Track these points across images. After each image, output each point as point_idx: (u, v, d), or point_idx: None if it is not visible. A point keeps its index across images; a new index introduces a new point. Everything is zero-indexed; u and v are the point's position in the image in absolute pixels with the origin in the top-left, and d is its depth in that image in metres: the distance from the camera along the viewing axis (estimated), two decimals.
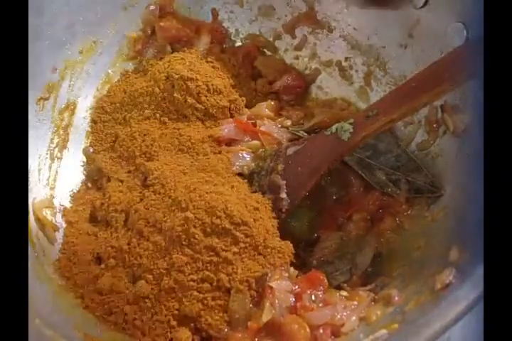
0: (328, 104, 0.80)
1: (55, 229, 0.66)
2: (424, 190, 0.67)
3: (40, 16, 0.66)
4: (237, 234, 0.59)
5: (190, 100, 0.71)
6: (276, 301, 0.57)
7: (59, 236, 0.66)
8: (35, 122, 0.68)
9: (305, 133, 0.74)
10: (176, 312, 0.58)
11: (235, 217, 0.59)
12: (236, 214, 0.59)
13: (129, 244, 0.62)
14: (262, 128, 0.73)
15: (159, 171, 0.67)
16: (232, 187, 0.64)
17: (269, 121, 0.75)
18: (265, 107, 0.77)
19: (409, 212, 0.67)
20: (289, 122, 0.76)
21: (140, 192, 0.67)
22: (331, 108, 0.79)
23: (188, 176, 0.66)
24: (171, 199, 0.63)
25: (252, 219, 0.60)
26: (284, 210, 0.65)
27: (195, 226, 0.58)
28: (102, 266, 0.63)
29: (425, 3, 0.66)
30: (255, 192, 0.66)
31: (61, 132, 0.72)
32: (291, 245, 0.62)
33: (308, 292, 0.59)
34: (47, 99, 0.69)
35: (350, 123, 0.64)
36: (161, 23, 0.79)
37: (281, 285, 0.58)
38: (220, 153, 0.70)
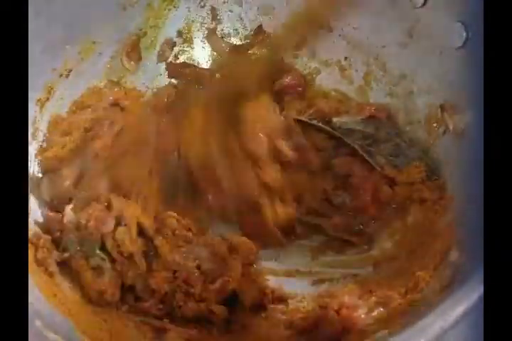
0: (326, 96, 0.80)
1: None
2: None
3: (39, 16, 0.66)
4: None
5: None
6: None
7: None
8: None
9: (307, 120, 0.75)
10: None
11: None
12: None
13: None
14: None
15: None
16: None
17: None
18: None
19: None
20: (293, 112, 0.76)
21: None
22: (329, 99, 0.79)
23: None
24: None
25: None
26: None
27: None
28: None
29: (424, 3, 0.66)
30: None
31: None
32: None
33: None
34: (47, 99, 0.69)
35: None
36: None
37: None
38: None
